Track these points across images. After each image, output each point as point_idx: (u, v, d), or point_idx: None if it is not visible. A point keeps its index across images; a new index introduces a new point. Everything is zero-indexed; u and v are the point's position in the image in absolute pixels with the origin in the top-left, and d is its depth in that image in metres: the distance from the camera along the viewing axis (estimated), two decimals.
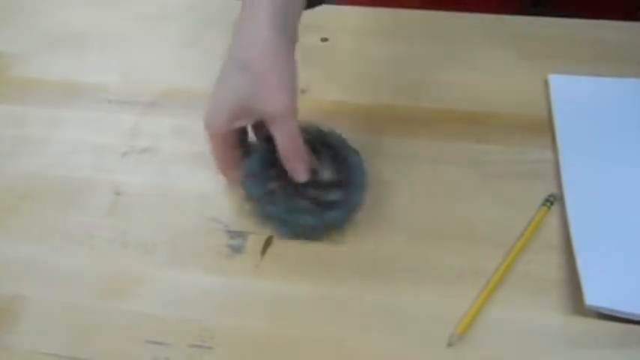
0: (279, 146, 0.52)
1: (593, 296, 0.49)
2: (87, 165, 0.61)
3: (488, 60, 0.69)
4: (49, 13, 0.80)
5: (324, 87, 0.67)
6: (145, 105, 0.67)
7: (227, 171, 0.56)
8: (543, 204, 0.55)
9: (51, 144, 0.64)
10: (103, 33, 0.76)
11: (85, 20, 0.78)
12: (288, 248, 0.54)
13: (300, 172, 0.53)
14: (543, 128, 0.62)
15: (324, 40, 0.72)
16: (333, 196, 0.55)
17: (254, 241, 0.54)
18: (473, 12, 0.74)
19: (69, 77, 0.71)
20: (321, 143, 0.57)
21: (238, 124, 0.53)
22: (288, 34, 0.52)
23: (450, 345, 0.48)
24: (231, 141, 0.54)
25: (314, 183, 0.55)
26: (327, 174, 0.57)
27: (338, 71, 0.69)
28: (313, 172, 0.55)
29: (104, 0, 0.80)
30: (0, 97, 0.69)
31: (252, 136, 0.58)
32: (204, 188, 0.59)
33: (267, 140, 0.54)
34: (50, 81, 0.70)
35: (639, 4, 0.75)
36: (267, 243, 0.54)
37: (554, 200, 0.55)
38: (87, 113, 0.66)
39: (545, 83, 0.66)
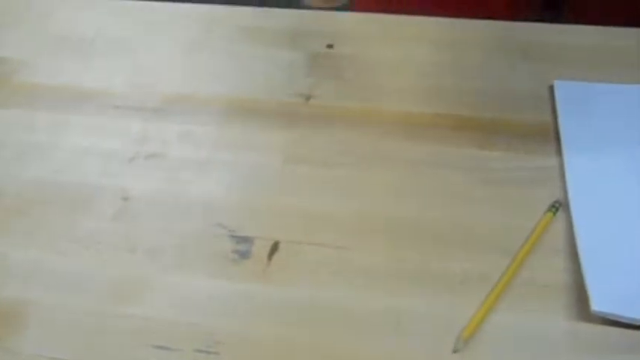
0: None
1: (599, 302, 0.49)
2: (94, 170, 0.62)
3: (493, 65, 0.69)
4: (55, 18, 0.80)
5: (330, 93, 0.67)
6: (151, 111, 0.67)
7: None
8: (549, 210, 0.55)
9: (58, 149, 0.64)
10: (109, 38, 0.76)
11: (92, 26, 0.78)
12: (295, 253, 0.54)
13: None
14: (548, 134, 0.62)
15: (330, 46, 0.72)
16: None
17: (260, 247, 0.55)
18: (480, 17, 0.74)
19: (75, 83, 0.71)
20: None
21: None
22: None
23: (455, 351, 0.48)
24: None
25: None
26: None
27: (343, 78, 0.69)
28: None
29: (110, 6, 0.81)
30: (7, 102, 0.69)
31: None
32: (210, 194, 0.59)
33: None
34: (57, 86, 0.71)
35: None
36: (274, 248, 0.54)
37: (560, 206, 0.56)
38: (94, 119, 0.67)
39: (551, 89, 0.66)
